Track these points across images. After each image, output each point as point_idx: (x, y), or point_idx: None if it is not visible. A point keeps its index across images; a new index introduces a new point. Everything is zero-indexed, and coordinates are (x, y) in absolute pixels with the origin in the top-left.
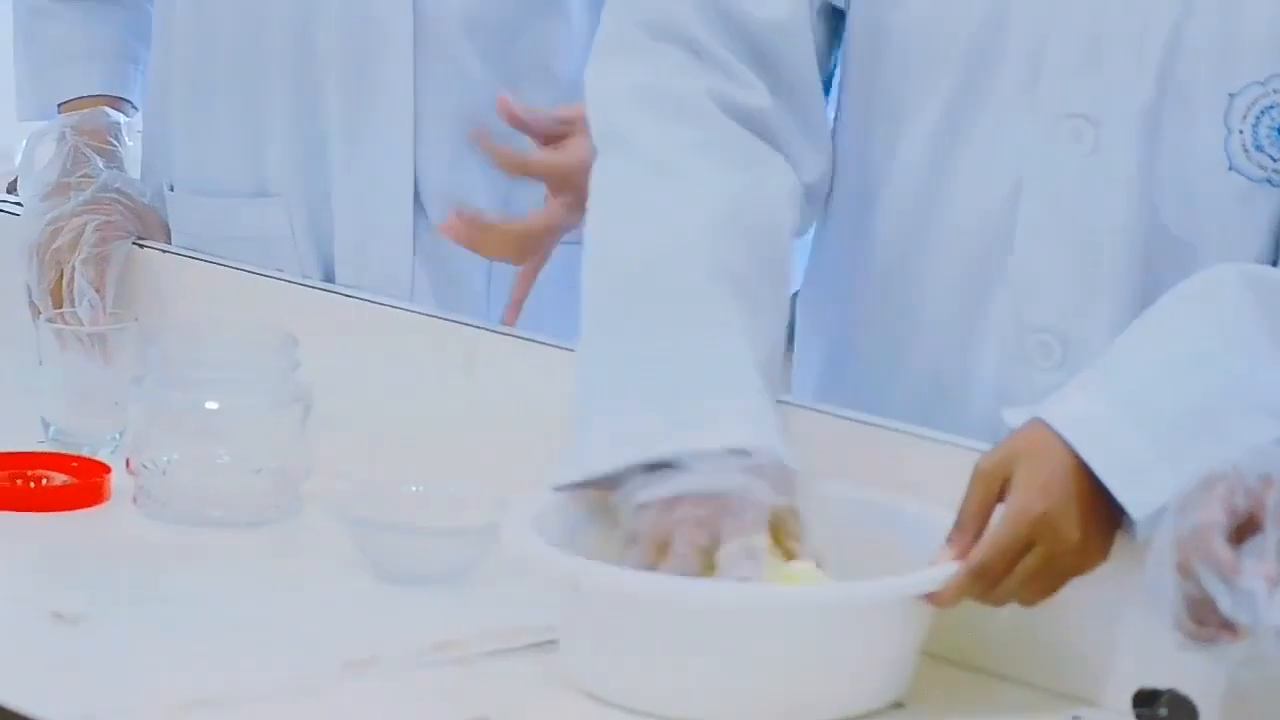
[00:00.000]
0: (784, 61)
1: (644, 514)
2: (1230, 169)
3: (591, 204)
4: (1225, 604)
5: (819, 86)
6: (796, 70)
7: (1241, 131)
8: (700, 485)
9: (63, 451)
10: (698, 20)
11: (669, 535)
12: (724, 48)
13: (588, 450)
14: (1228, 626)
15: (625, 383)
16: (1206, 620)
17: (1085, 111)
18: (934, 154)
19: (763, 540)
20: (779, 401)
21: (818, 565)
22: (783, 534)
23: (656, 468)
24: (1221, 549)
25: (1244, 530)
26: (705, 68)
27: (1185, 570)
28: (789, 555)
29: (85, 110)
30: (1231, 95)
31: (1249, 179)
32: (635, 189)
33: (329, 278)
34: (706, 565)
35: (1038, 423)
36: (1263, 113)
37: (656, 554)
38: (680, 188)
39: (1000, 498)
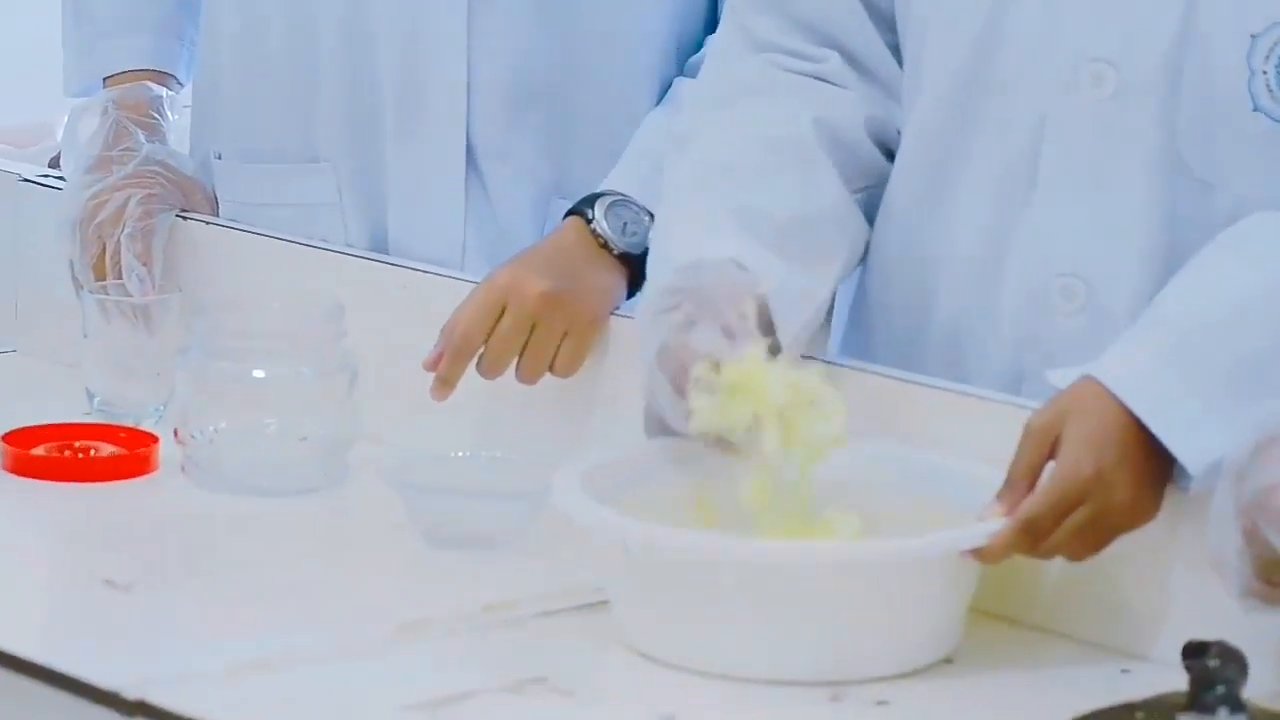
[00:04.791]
0: (843, 36)
1: (653, 328)
2: (1254, 110)
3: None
4: None
5: (884, 51)
6: (862, 41)
7: (1265, 72)
8: (683, 283)
9: (108, 422)
10: (773, 27)
11: (666, 340)
12: (790, 37)
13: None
14: None
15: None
16: (1277, 581)
17: (1106, 56)
18: (956, 99)
19: (748, 313)
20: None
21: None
22: (800, 421)
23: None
24: None
25: None
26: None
27: (1252, 534)
28: (814, 447)
29: (127, 85)
30: (1254, 36)
31: (1273, 119)
32: (702, 124)
33: (376, 243)
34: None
35: (1088, 380)
36: None
37: (662, 365)
38: (744, 107)
39: (1051, 455)
